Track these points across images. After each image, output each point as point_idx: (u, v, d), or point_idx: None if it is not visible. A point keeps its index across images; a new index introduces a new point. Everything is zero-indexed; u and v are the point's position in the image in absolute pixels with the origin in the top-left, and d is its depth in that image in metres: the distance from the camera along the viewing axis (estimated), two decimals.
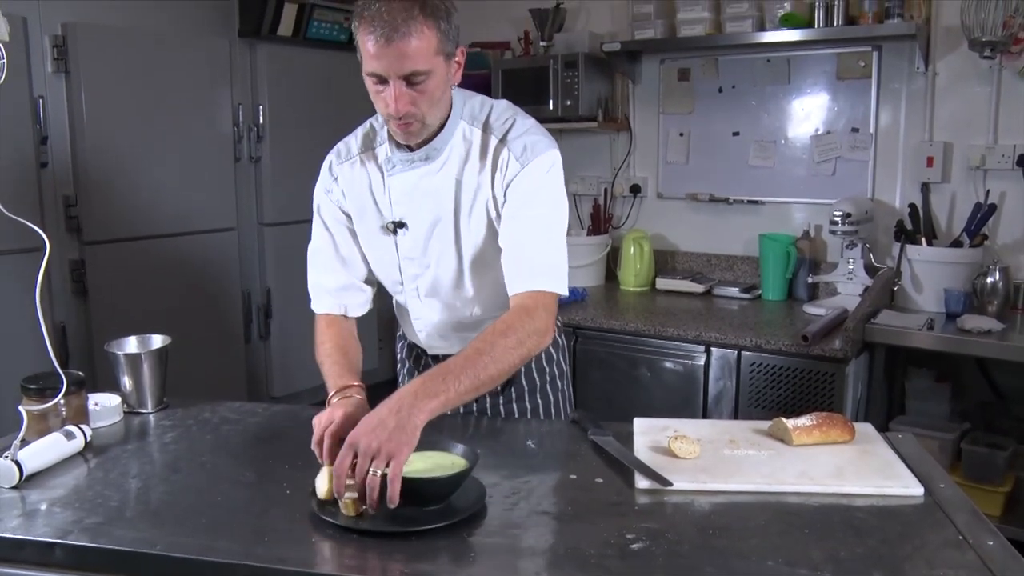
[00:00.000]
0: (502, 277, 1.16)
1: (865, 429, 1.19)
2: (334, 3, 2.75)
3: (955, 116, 2.27)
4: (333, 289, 1.28)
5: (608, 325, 2.22)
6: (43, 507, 0.97)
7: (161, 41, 2.40)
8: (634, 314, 2.29)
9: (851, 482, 1.00)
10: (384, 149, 1.22)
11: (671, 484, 0.99)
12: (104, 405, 1.29)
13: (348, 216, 1.27)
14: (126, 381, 1.33)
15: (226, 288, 2.69)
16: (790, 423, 1.14)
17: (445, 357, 1.28)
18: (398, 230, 1.23)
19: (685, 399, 2.13)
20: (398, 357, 1.49)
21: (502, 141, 1.16)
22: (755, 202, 2.61)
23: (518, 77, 2.68)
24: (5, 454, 1.05)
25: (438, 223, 1.21)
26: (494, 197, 1.17)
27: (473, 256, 1.21)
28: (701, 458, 1.07)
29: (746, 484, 1.00)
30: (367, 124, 1.27)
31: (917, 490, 0.99)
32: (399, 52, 1.03)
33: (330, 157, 1.28)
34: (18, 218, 1.12)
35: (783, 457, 1.08)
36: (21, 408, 1.17)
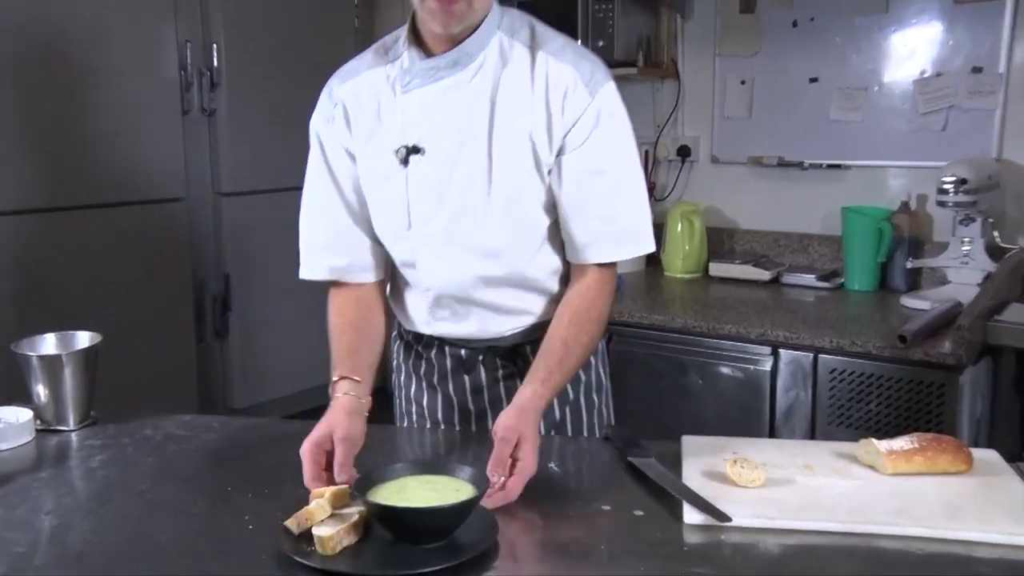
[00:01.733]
0: (538, 225, 1.22)
1: (987, 457, 1.17)
2: None
3: None
4: (335, 247, 1.29)
5: (650, 321, 2.21)
6: None
7: None
8: (682, 307, 2.28)
9: (968, 525, 0.98)
10: (401, 61, 1.24)
11: (729, 519, 0.98)
12: (9, 422, 1.28)
13: (352, 156, 1.28)
14: (40, 391, 1.32)
15: (173, 274, 2.68)
16: (883, 446, 1.13)
17: (451, 347, 1.37)
18: (411, 157, 1.23)
19: (747, 413, 2.11)
20: (393, 362, 1.49)
21: (559, 60, 1.20)
22: (838, 166, 2.57)
23: (539, 12, 2.61)
24: None
25: (464, 147, 1.21)
26: (549, 127, 1.20)
27: (506, 194, 1.22)
28: (767, 487, 1.07)
29: (825, 522, 0.98)
30: (379, 42, 1.30)
31: None
32: None
33: (331, 81, 1.30)
34: None
35: (874, 489, 1.07)
36: None
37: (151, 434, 1.30)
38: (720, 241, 2.74)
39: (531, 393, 1.14)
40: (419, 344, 1.41)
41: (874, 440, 1.14)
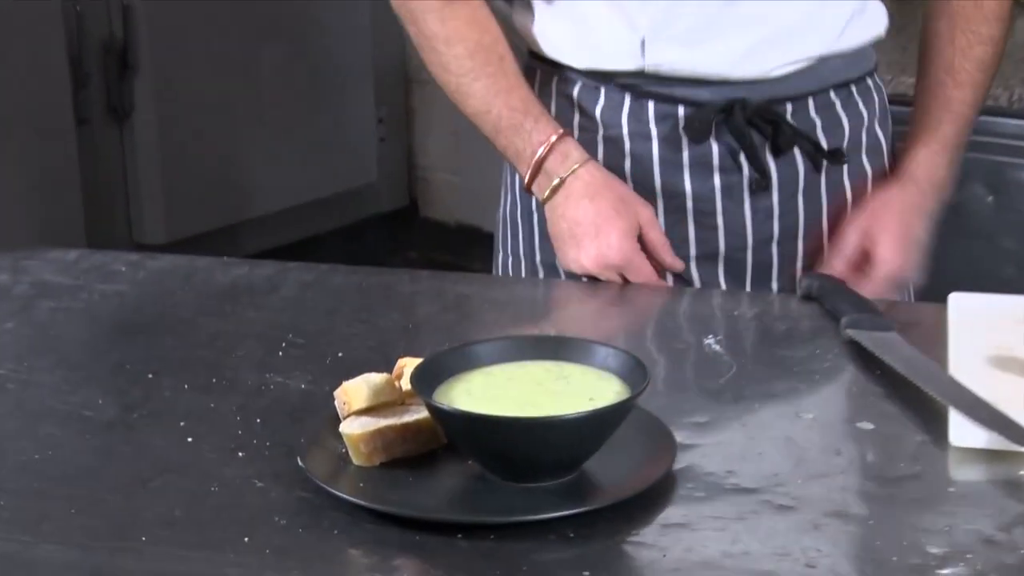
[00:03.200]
0: None
1: None
2: None
3: None
4: None
5: (894, 88, 2.10)
6: None
7: None
8: None
9: None
10: None
11: None
12: None
13: None
14: None
15: (31, 6, 2.65)
16: None
17: (658, 103, 1.36)
18: None
19: None
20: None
21: None
22: None
23: None
24: None
25: None
26: None
27: None
28: None
29: None
30: None
31: None
32: None
33: None
34: None
35: None
36: None
37: (7, 283, 1.31)
38: None
39: (925, 155, 1.25)
40: (593, 98, 1.37)
41: None
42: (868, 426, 0.99)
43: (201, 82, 2.98)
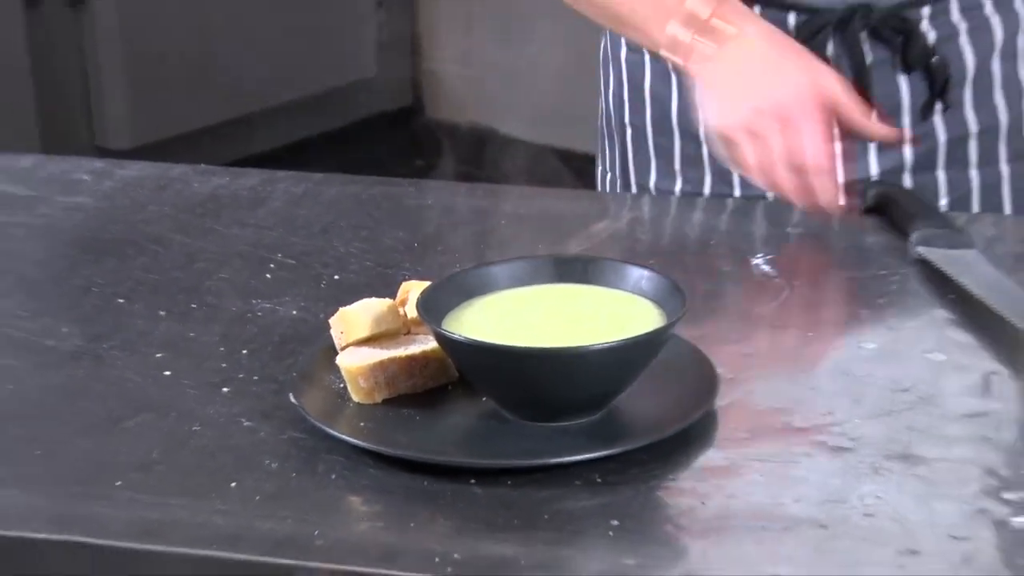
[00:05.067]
0: None
1: None
2: None
3: None
4: None
5: None
6: None
7: None
8: None
9: None
10: None
11: None
12: None
13: None
14: None
15: None
16: None
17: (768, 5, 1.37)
18: None
19: None
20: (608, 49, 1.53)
21: None
22: None
23: None
24: None
25: None
26: None
27: None
28: None
29: None
30: None
31: None
32: None
33: None
34: None
35: None
36: None
37: None
38: None
39: None
40: None
41: None
42: (939, 357, 1.00)
43: None
